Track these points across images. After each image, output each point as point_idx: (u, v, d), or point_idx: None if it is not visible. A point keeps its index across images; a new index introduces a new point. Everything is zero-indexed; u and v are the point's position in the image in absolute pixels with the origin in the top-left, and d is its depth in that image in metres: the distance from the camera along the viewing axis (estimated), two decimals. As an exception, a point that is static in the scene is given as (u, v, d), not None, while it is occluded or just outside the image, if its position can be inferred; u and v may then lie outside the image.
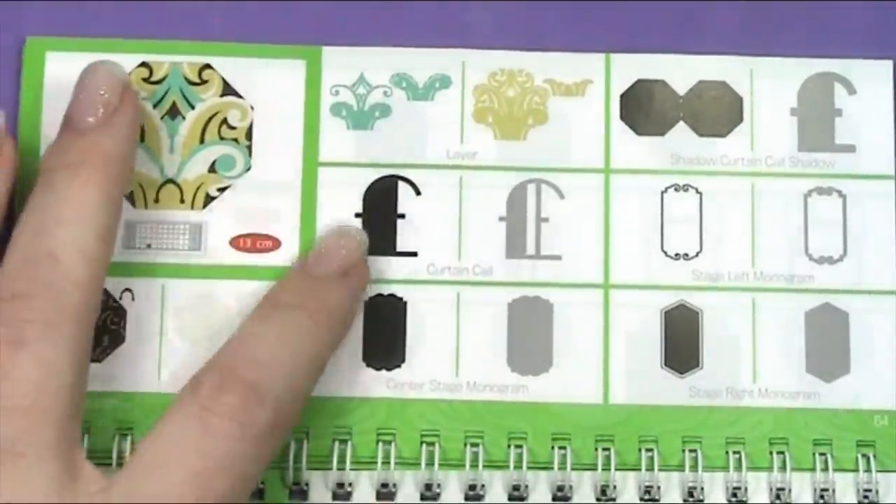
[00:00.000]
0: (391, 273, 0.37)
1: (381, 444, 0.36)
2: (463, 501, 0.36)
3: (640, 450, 0.37)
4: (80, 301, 0.31)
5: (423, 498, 0.36)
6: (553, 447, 0.37)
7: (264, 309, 0.33)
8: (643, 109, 0.38)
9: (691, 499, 0.36)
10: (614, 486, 0.36)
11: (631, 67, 0.38)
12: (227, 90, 0.38)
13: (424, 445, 0.36)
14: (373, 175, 0.38)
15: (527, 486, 0.36)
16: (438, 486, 0.36)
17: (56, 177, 0.32)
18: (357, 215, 0.38)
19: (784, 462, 0.36)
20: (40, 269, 0.31)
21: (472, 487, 0.36)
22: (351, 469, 0.36)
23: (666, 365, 0.37)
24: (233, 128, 0.38)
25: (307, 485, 0.36)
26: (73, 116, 0.34)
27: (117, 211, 0.33)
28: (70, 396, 0.30)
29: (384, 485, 0.36)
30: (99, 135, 0.33)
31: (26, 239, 0.31)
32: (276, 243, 0.37)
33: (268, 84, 0.38)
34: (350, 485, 0.36)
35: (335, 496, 0.36)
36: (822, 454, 0.37)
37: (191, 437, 0.29)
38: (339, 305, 0.34)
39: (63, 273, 0.31)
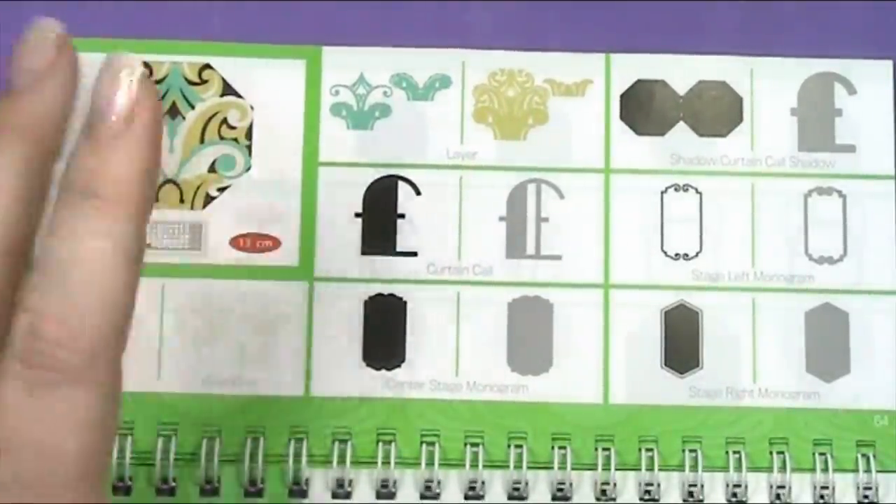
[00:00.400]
0: (391, 273, 0.37)
1: (381, 443, 0.36)
2: (463, 501, 0.36)
3: (640, 450, 0.37)
4: None
5: (422, 497, 0.36)
6: (553, 447, 0.37)
7: (53, 214, 0.28)
8: (643, 109, 0.38)
9: (691, 499, 0.36)
10: (614, 485, 0.36)
11: (631, 67, 0.38)
12: (227, 90, 0.38)
13: (424, 445, 0.36)
14: (373, 175, 0.38)
15: (527, 485, 0.36)
16: (438, 485, 0.36)
17: None
18: (357, 215, 0.38)
19: (784, 462, 0.36)
20: None
21: (472, 487, 0.36)
22: (350, 468, 0.36)
23: (666, 365, 0.37)
24: (233, 128, 0.38)
25: (307, 483, 0.36)
26: (8, 78, 0.32)
27: (41, 176, 0.29)
28: None
29: (384, 484, 0.36)
30: (25, 98, 0.31)
31: None
32: (275, 243, 0.37)
33: (268, 84, 0.38)
34: (350, 483, 0.36)
35: (335, 495, 0.36)
36: (822, 454, 0.37)
37: (20, 399, 0.26)
38: (126, 172, 0.28)
39: None
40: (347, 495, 0.36)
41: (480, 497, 0.36)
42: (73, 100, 0.31)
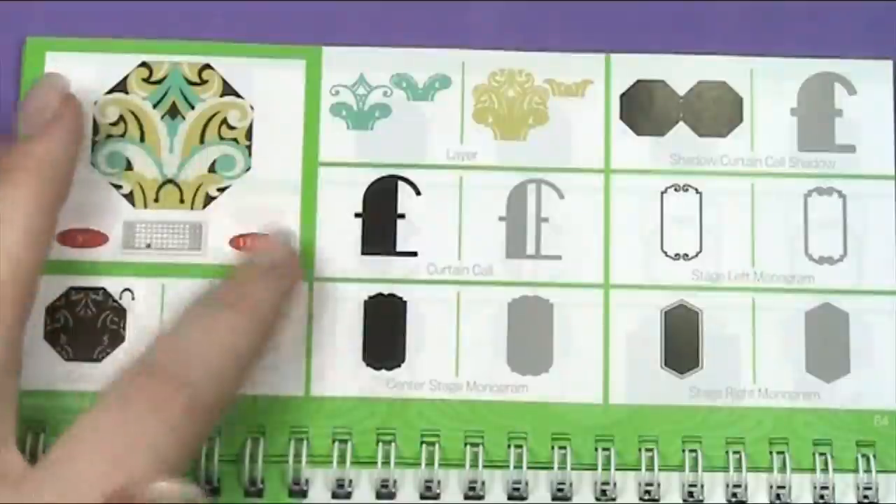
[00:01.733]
0: (391, 273, 0.37)
1: (380, 443, 0.36)
2: (463, 501, 0.36)
3: (639, 450, 0.37)
4: (6, 299, 0.31)
5: (422, 497, 0.36)
6: (553, 447, 0.37)
7: (190, 306, 0.33)
8: (643, 109, 0.38)
9: (691, 499, 0.36)
10: (614, 485, 0.36)
11: (631, 67, 0.38)
12: (227, 90, 0.38)
13: (424, 445, 0.36)
14: (373, 175, 0.38)
15: (527, 485, 0.36)
16: (438, 485, 0.36)
17: None
18: (357, 215, 0.38)
19: (784, 462, 0.36)
20: None
21: (472, 487, 0.36)
22: (350, 468, 0.36)
23: (666, 365, 0.37)
24: (233, 128, 0.38)
25: (307, 483, 0.36)
26: (19, 126, 0.34)
27: (50, 215, 0.33)
28: None
29: (384, 484, 0.36)
30: (36, 142, 0.34)
31: None
32: (275, 243, 0.37)
33: (268, 84, 0.38)
34: (350, 483, 0.36)
35: (335, 495, 0.36)
36: (821, 454, 0.37)
37: (109, 424, 0.30)
38: (264, 298, 0.34)
39: None
40: (347, 495, 0.36)
41: (480, 497, 0.36)
42: (79, 146, 0.34)
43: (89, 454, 0.29)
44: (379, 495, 0.36)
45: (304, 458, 0.36)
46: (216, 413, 0.32)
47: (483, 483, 0.36)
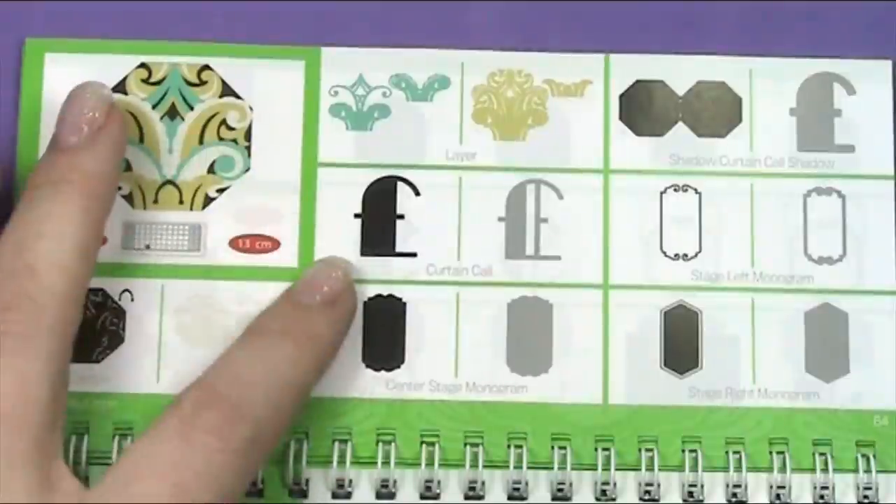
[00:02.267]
0: (390, 274, 0.37)
1: (380, 444, 0.36)
2: (463, 501, 0.36)
3: (639, 450, 0.37)
4: (58, 314, 0.31)
5: (422, 497, 0.36)
6: (553, 447, 0.37)
7: (250, 335, 0.34)
8: (642, 110, 0.38)
9: (691, 499, 0.36)
10: (614, 485, 0.36)
11: (630, 68, 0.38)
12: (226, 91, 0.38)
13: (424, 446, 0.36)
14: (372, 176, 0.38)
15: (527, 485, 0.36)
16: (438, 485, 0.36)
17: (38, 193, 0.33)
18: (356, 216, 0.38)
19: (784, 462, 0.36)
20: (18, 283, 0.31)
21: (472, 487, 0.36)
22: (350, 468, 0.36)
23: (665, 365, 0.37)
24: (232, 129, 0.38)
25: (307, 483, 0.36)
26: (59, 136, 0.34)
27: (97, 228, 0.33)
28: (45, 408, 0.30)
29: (384, 484, 0.36)
30: (82, 154, 0.34)
31: (7, 253, 0.32)
32: (275, 244, 0.37)
33: (267, 85, 0.38)
34: (350, 484, 0.36)
35: (335, 495, 0.36)
36: (821, 454, 0.37)
37: (170, 451, 0.30)
38: (324, 334, 0.34)
39: (40, 286, 0.31)
40: (347, 495, 0.36)
41: (480, 497, 0.36)
42: (123, 158, 0.33)
43: (151, 480, 0.29)
44: (379, 495, 0.36)
45: (304, 459, 0.36)
46: (273, 445, 0.32)
47: (483, 483, 0.36)
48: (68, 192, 0.33)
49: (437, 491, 0.36)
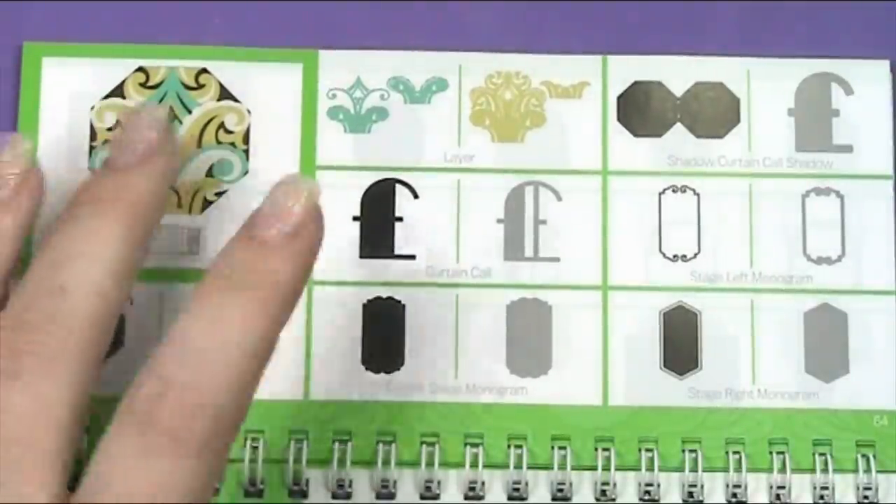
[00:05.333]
0: (390, 276, 0.37)
1: (380, 446, 0.36)
2: (463, 501, 0.36)
3: (639, 450, 0.37)
4: (86, 338, 0.29)
5: (422, 497, 0.36)
6: (553, 447, 0.37)
7: (199, 296, 0.29)
8: (640, 111, 0.38)
9: (691, 499, 0.36)
10: (614, 486, 0.36)
11: (628, 69, 0.38)
12: (224, 94, 0.38)
13: (424, 446, 0.36)
14: (370, 178, 0.38)
15: (527, 485, 0.36)
16: (438, 485, 0.36)
17: (81, 211, 0.31)
18: (355, 218, 0.38)
19: (784, 463, 0.36)
20: (48, 302, 0.29)
21: (472, 487, 0.36)
22: (350, 468, 0.36)
23: (665, 366, 0.37)
24: (230, 132, 0.38)
25: (307, 483, 0.36)
26: (112, 155, 0.33)
27: (140, 252, 0.32)
28: (62, 434, 0.28)
29: (384, 485, 0.36)
30: (133, 175, 0.32)
31: (41, 269, 0.30)
32: (274, 247, 0.37)
33: (264, 88, 0.38)
34: (350, 484, 0.36)
35: (335, 495, 0.36)
36: (821, 454, 0.37)
37: (130, 458, 0.28)
38: (286, 277, 0.29)
39: (70, 308, 0.29)
40: (347, 495, 0.36)
41: (480, 497, 0.36)
42: (174, 181, 0.32)
43: (115, 495, 0.27)
44: (379, 495, 0.36)
45: (304, 458, 0.36)
46: (238, 423, 0.29)
47: (483, 483, 0.36)
48: (112, 212, 0.31)
49: (437, 491, 0.36)
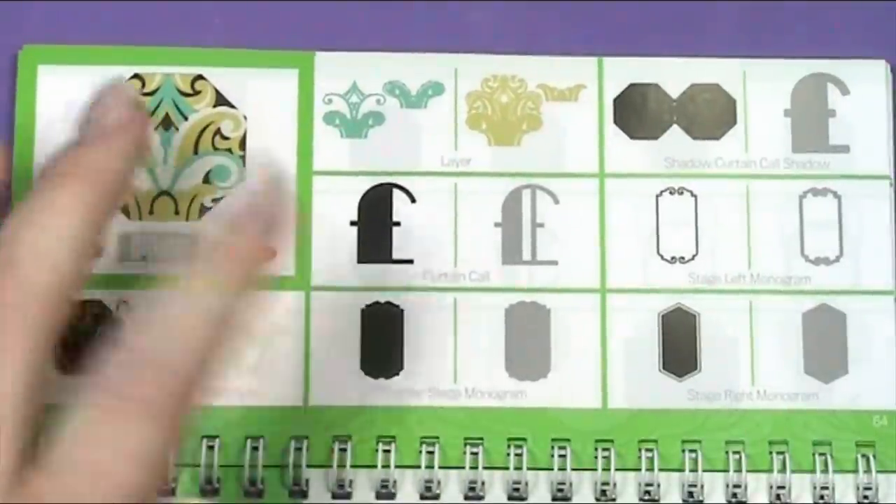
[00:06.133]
0: (387, 281, 0.37)
1: (380, 450, 0.36)
2: (463, 501, 0.36)
3: (639, 451, 0.37)
4: (34, 313, 0.29)
5: (422, 498, 0.36)
6: (553, 449, 0.37)
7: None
8: (637, 113, 0.38)
9: (691, 499, 0.36)
10: (614, 486, 0.36)
11: (624, 71, 0.38)
12: (220, 101, 0.38)
13: (424, 447, 0.36)
14: (367, 183, 0.38)
15: (527, 485, 0.36)
16: (438, 485, 0.36)
17: (42, 184, 0.31)
18: (352, 223, 0.38)
19: (784, 463, 0.36)
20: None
21: (472, 488, 0.36)
22: (350, 469, 0.36)
23: (664, 368, 0.37)
24: (226, 138, 0.38)
25: (307, 484, 0.36)
26: (78, 131, 0.33)
27: (98, 226, 0.31)
28: (16, 408, 0.28)
29: (384, 485, 0.36)
30: (96, 151, 0.32)
31: None
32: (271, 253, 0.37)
33: (260, 94, 0.38)
34: (350, 484, 0.36)
35: (335, 495, 0.36)
36: (821, 455, 0.37)
37: (92, 425, 0.27)
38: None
39: (20, 281, 0.29)
40: (347, 496, 0.36)
41: (480, 498, 0.36)
42: (142, 159, 0.32)
43: (81, 470, 0.27)
44: (379, 496, 0.36)
45: (304, 459, 0.36)
46: (198, 391, 0.29)
47: (483, 483, 0.36)
48: (72, 185, 0.30)
49: (437, 491, 0.36)
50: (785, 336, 0.37)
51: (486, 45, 0.39)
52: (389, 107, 0.38)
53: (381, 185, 0.38)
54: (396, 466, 0.36)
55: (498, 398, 0.37)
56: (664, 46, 0.39)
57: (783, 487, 0.36)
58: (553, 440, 0.37)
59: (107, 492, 0.27)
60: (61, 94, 0.38)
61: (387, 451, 0.36)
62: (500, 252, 0.38)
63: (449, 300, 0.37)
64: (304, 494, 0.36)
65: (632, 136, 0.38)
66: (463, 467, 0.36)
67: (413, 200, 0.38)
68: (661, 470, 0.36)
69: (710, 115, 0.38)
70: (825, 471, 0.36)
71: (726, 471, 0.36)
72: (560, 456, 0.36)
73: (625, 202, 0.38)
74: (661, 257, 0.38)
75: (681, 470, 0.36)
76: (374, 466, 0.36)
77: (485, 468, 0.36)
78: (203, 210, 0.38)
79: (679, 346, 0.37)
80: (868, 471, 0.36)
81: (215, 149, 0.38)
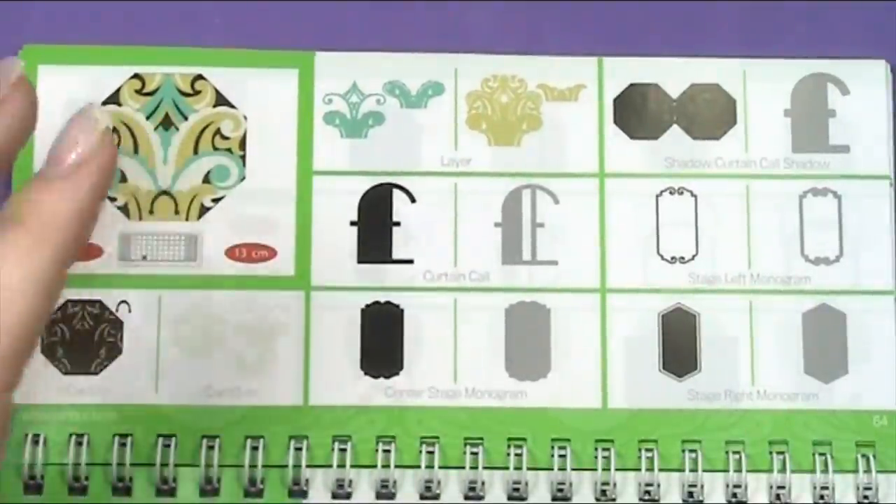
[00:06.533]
0: (388, 281, 0.37)
1: (380, 450, 0.36)
2: (463, 501, 0.36)
3: (639, 451, 0.37)
4: None
5: (422, 498, 0.36)
6: (553, 448, 0.37)
7: None
8: (637, 113, 0.38)
9: (691, 499, 0.36)
10: (614, 486, 0.36)
11: (624, 71, 0.38)
12: (220, 100, 0.38)
13: (424, 447, 0.36)
14: (367, 183, 0.38)
15: (527, 485, 0.36)
16: (438, 485, 0.36)
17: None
18: (352, 223, 0.38)
19: (784, 463, 0.36)
20: None
21: (472, 487, 0.36)
22: (350, 468, 0.36)
23: (664, 368, 0.37)
24: (226, 138, 0.38)
25: (307, 484, 0.36)
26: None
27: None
28: None
29: (384, 485, 0.36)
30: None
31: None
32: (271, 253, 0.37)
33: (260, 94, 0.38)
34: (350, 484, 0.36)
35: (335, 495, 0.36)
36: (821, 455, 0.37)
37: None
38: (56, 210, 0.29)
39: None
40: (347, 496, 0.36)
41: (480, 497, 0.36)
42: (25, 132, 0.31)
43: None
44: (379, 495, 0.36)
45: (304, 458, 0.36)
46: (21, 366, 0.28)
47: (483, 483, 0.36)
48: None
49: (437, 491, 0.36)
50: (785, 336, 0.37)
51: (486, 45, 0.39)
52: (389, 107, 0.38)
53: (381, 185, 0.38)
54: (396, 466, 0.36)
55: (498, 398, 0.37)
56: (664, 46, 0.39)
57: (783, 487, 0.36)
58: (553, 440, 0.37)
59: None
60: (61, 93, 0.38)
61: (387, 451, 0.36)
62: (500, 252, 0.38)
63: (449, 300, 0.37)
64: (304, 494, 0.36)
65: (632, 136, 0.38)
66: (463, 467, 0.36)
67: (413, 200, 0.38)
68: (661, 470, 0.36)
69: (710, 115, 0.38)
70: (825, 471, 0.36)
71: (726, 471, 0.36)
72: (560, 456, 0.36)
73: (625, 202, 0.38)
74: (661, 257, 0.38)
75: (681, 470, 0.36)
76: (374, 466, 0.36)
77: (485, 468, 0.36)
78: (203, 210, 0.38)
79: (679, 346, 0.37)
80: (868, 471, 0.36)
81: (215, 149, 0.38)
